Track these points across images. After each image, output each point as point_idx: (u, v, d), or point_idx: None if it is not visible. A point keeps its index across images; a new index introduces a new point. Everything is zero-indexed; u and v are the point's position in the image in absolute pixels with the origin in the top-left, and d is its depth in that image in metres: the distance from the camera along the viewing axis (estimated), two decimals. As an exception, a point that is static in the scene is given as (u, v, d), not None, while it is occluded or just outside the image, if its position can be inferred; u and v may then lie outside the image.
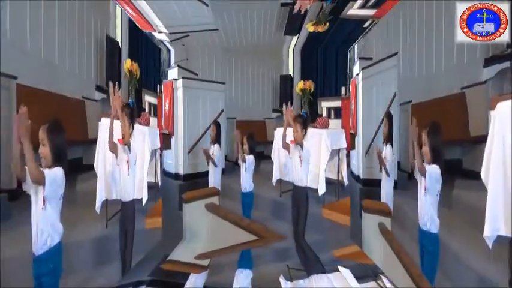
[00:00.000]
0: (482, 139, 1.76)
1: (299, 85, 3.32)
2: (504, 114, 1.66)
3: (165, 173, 3.65)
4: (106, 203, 2.57)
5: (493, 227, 1.72)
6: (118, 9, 2.76)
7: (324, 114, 3.41)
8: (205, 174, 3.62)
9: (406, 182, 2.53)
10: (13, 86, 1.75)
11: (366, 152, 3.13)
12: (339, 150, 3.40)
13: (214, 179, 3.59)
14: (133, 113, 2.86)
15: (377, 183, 2.94)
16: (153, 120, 3.39)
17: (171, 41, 3.38)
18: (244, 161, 3.44)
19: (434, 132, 2.11)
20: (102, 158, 2.51)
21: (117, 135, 2.67)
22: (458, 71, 2.09)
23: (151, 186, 3.13)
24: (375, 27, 3.02)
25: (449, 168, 2.08)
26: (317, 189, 3.31)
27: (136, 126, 2.88)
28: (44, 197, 1.93)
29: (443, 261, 2.16)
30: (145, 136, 2.99)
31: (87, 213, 2.44)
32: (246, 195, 3.58)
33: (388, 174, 2.80)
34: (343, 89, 3.38)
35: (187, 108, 3.53)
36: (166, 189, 3.61)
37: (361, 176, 3.20)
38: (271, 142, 3.49)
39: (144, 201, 2.92)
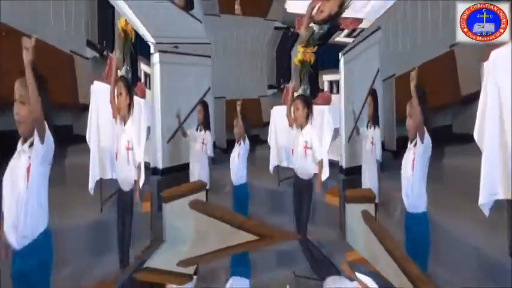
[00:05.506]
0: (474, 96, 1.69)
1: (298, 55, 2.97)
2: (499, 62, 1.59)
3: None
4: (100, 182, 2.25)
5: (490, 191, 1.58)
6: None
7: (326, 89, 3.04)
8: (188, 165, 3.10)
9: (392, 161, 2.43)
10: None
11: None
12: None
13: (201, 170, 3.07)
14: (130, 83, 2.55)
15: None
16: (148, 93, 2.95)
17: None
18: (241, 142, 3.02)
19: (423, 102, 2.05)
20: (96, 130, 2.20)
21: (107, 102, 2.32)
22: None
23: (147, 167, 2.81)
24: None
25: (438, 136, 1.99)
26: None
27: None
28: (31, 158, 1.45)
29: (434, 242, 2.01)
30: (141, 109, 2.64)
31: (78, 195, 2.13)
32: (238, 188, 3.07)
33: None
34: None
35: (166, 88, 3.00)
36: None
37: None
38: (267, 124, 3.04)
39: (140, 184, 2.63)
